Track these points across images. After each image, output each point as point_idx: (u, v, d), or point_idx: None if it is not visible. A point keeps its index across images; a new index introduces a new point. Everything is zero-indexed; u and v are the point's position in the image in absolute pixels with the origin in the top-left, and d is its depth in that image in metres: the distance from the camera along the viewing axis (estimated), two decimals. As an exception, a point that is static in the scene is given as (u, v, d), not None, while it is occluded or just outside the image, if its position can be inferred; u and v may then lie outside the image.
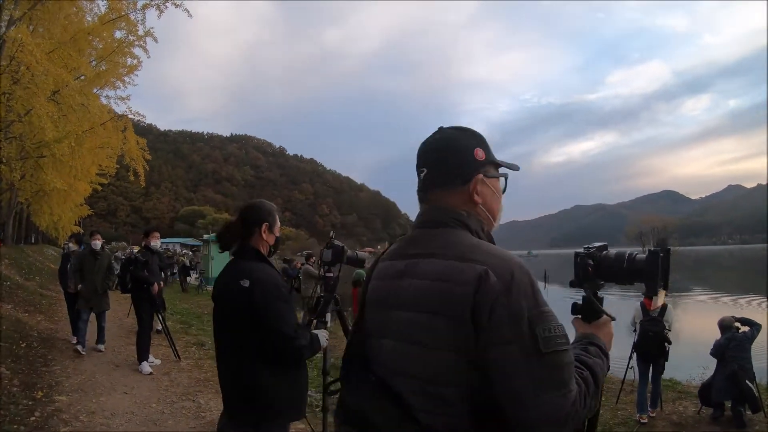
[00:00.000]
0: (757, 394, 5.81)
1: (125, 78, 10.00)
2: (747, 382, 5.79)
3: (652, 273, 1.31)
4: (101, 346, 7.58)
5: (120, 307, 11.45)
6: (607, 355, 1.26)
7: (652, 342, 5.88)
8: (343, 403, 1.25)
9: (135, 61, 9.65)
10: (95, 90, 9.13)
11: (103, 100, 10.29)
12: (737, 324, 6.25)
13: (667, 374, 6.61)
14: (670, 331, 5.98)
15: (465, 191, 1.23)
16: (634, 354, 6.15)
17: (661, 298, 1.37)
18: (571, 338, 1.19)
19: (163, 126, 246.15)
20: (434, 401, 1.06)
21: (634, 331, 6.15)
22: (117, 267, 18.83)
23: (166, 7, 8.72)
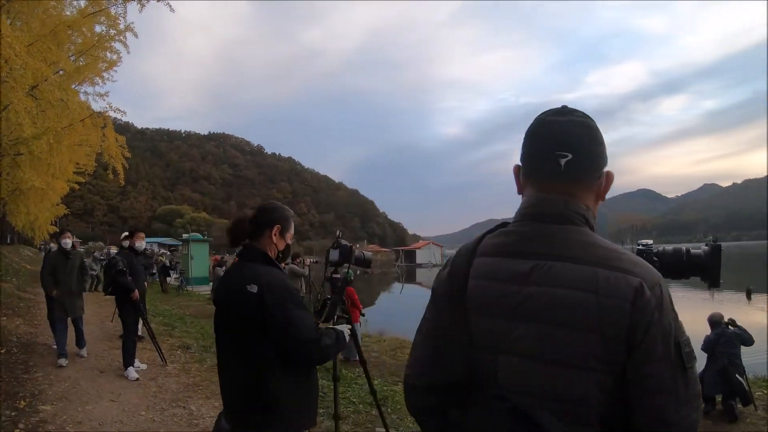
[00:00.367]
0: (747, 388, 5.89)
1: (104, 74, 9.75)
2: (737, 376, 5.88)
3: (715, 267, 1.33)
4: (83, 351, 7.27)
5: (101, 310, 11.17)
6: None
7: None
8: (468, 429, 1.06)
9: (115, 57, 9.42)
10: (74, 86, 8.85)
11: (81, 97, 9.98)
12: (726, 321, 6.38)
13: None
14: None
15: (595, 186, 1.12)
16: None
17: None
18: None
19: (140, 124, 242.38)
20: (575, 425, 0.97)
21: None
22: (96, 268, 18.55)
23: (148, 1, 8.48)
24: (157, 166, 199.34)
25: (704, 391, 5.93)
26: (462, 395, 1.07)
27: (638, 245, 1.42)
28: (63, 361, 6.74)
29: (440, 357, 1.13)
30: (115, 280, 6.49)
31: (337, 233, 3.26)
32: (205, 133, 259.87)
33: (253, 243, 2.23)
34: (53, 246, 8.76)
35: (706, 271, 1.34)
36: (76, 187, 14.87)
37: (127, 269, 6.51)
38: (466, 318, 1.09)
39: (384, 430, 3.47)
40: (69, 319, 7.08)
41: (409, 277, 48.40)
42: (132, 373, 6.23)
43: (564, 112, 1.12)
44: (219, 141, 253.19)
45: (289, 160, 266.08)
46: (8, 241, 38.02)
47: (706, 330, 6.46)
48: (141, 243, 7.01)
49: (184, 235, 27.66)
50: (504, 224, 1.17)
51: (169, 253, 33.98)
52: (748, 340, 6.24)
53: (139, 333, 7.84)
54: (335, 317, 2.91)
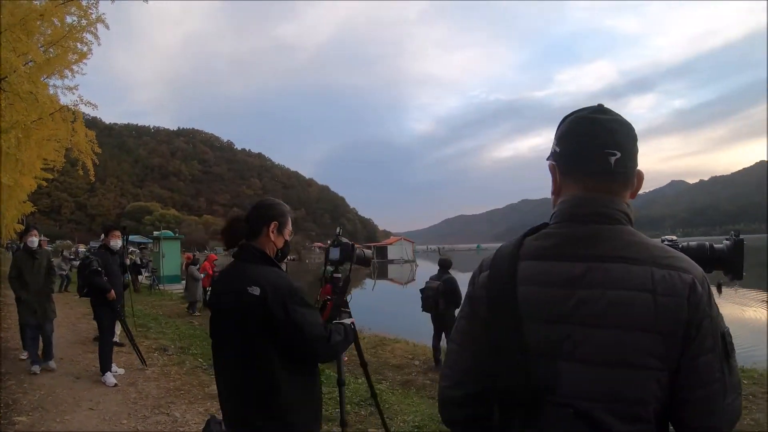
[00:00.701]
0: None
1: (74, 66, 9.36)
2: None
3: (738, 260, 1.39)
4: (51, 364, 6.61)
5: (72, 311, 10.79)
6: None
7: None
8: None
9: (86, 48, 9.05)
10: (43, 78, 8.45)
11: (50, 90, 9.57)
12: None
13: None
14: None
15: (632, 184, 1.12)
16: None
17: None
18: None
19: (108, 119, 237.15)
20: (634, 424, 0.97)
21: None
22: (65, 268, 17.99)
23: (121, -10, 8.15)
24: (125, 162, 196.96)
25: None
26: (508, 404, 1.03)
27: (663, 240, 1.40)
28: (36, 369, 6.40)
29: (481, 366, 1.10)
30: (90, 281, 6.19)
31: (338, 230, 3.13)
32: (175, 129, 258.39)
33: (250, 243, 2.12)
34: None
35: (730, 265, 1.39)
36: (44, 183, 14.31)
37: (102, 269, 6.21)
38: (518, 325, 1.05)
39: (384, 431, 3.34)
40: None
41: (381, 274, 48.49)
42: (110, 378, 5.97)
43: (605, 110, 1.11)
44: (188, 136, 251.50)
45: (260, 156, 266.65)
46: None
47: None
48: (116, 242, 6.68)
49: (155, 233, 27.12)
50: (543, 225, 1.15)
51: (138, 250, 33.20)
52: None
53: (116, 339, 7.60)
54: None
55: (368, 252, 3.10)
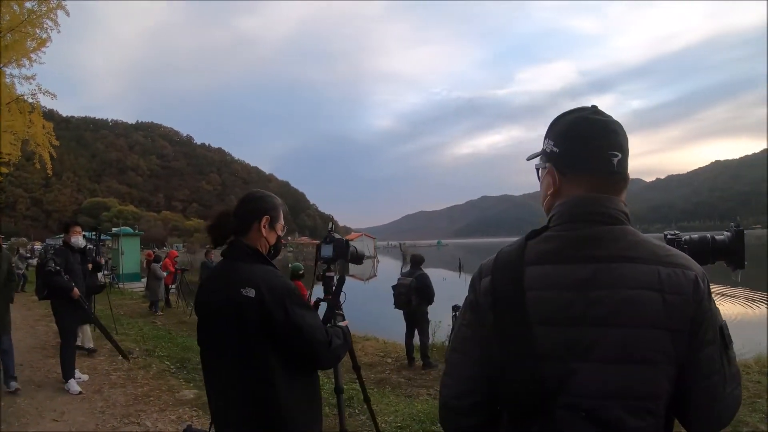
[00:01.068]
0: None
1: (32, 55, 8.90)
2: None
3: (739, 250, 1.42)
4: (12, 386, 5.60)
5: (30, 312, 10.26)
6: None
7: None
8: None
9: (45, 35, 8.62)
10: (0, 66, 7.97)
11: (6, 80, 9.07)
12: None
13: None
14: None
15: (627, 184, 1.16)
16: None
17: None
18: None
19: (65, 112, 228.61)
20: (646, 418, 0.99)
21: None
22: (21, 266, 17.18)
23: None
24: (82, 156, 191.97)
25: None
26: (518, 410, 1.04)
27: (666, 234, 1.50)
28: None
29: (487, 374, 1.10)
30: (48, 282, 5.75)
31: (330, 226, 2.98)
32: (133, 122, 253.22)
33: (240, 239, 1.96)
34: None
35: (732, 255, 1.43)
36: (1, 178, 13.63)
37: (59, 268, 5.74)
38: (528, 330, 1.04)
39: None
40: None
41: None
42: (74, 386, 5.62)
43: (601, 112, 1.14)
44: (147, 130, 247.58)
45: (219, 150, 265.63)
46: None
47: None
48: (77, 238, 6.23)
49: (114, 229, 26.43)
50: (545, 228, 1.14)
51: (92, 247, 32.21)
52: None
53: (91, 345, 7.34)
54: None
55: (360, 249, 2.98)
